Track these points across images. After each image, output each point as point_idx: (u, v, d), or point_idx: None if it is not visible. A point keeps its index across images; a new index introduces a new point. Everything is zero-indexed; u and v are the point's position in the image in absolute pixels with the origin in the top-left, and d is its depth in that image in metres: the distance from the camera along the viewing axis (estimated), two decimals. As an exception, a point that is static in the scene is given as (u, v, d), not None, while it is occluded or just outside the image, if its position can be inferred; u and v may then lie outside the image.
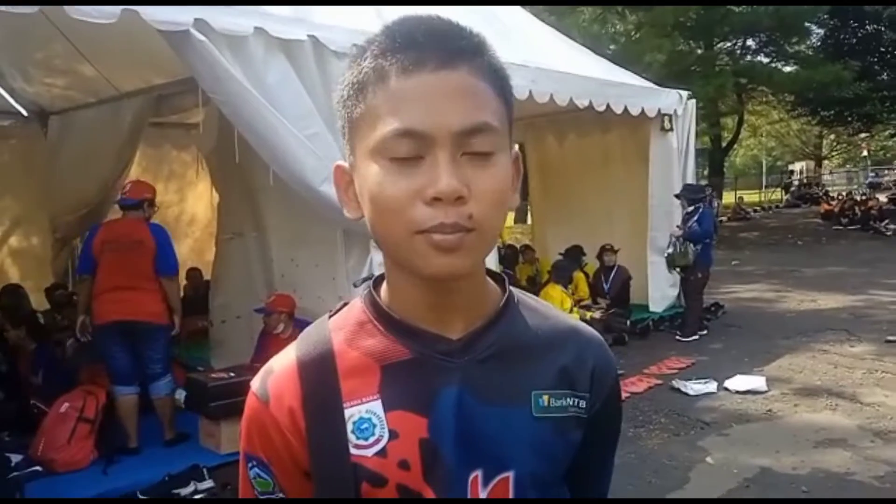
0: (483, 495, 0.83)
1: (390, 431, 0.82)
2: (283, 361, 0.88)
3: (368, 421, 0.82)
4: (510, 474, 0.84)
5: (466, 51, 0.77)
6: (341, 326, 0.88)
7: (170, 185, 8.76)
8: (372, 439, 0.82)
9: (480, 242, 0.77)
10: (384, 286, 0.88)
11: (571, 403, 0.88)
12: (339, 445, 0.82)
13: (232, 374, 4.87)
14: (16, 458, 4.44)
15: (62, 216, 7.15)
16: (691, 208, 8.15)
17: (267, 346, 5.47)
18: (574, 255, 8.97)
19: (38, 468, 4.38)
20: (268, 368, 0.89)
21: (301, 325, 5.33)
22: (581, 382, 0.89)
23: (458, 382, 0.82)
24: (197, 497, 4.04)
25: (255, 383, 0.88)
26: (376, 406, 0.82)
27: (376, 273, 3.59)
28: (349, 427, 0.82)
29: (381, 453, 0.81)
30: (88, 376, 5.21)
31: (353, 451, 0.81)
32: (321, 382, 0.84)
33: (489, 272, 0.89)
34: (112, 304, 4.78)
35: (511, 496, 0.84)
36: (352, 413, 0.82)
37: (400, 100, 0.75)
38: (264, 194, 5.88)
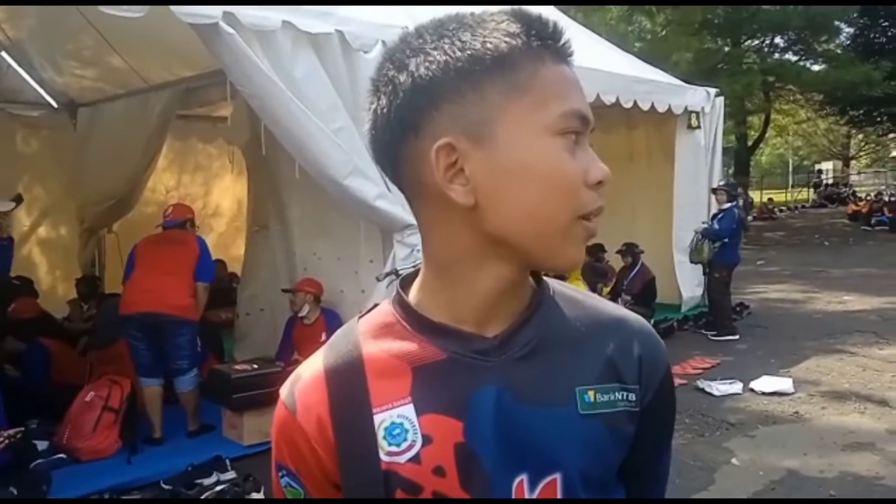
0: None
1: (423, 436, 0.78)
2: (311, 368, 0.84)
3: (400, 426, 0.78)
4: (557, 476, 0.79)
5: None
6: (370, 329, 0.84)
7: (195, 178, 8.83)
8: (405, 445, 0.78)
9: None
10: (417, 287, 0.84)
11: (621, 397, 0.83)
12: (368, 455, 0.78)
13: (255, 367, 4.90)
14: (42, 445, 4.49)
15: (90, 207, 7.23)
16: (727, 205, 8.08)
17: (293, 333, 5.52)
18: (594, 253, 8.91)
19: (62, 456, 4.43)
20: (296, 376, 0.85)
21: (328, 314, 5.38)
22: (629, 374, 0.84)
23: (495, 382, 0.78)
24: (219, 488, 4.06)
25: (284, 391, 0.85)
26: (408, 410, 0.79)
27: (399, 268, 3.56)
28: (380, 434, 0.78)
29: (415, 459, 0.77)
30: (100, 366, 5.28)
31: (385, 458, 0.78)
32: (349, 389, 0.80)
33: None
34: (139, 293, 4.81)
35: (560, 498, 0.79)
36: (382, 419, 0.79)
37: (565, 84, 0.75)
38: (288, 187, 5.90)
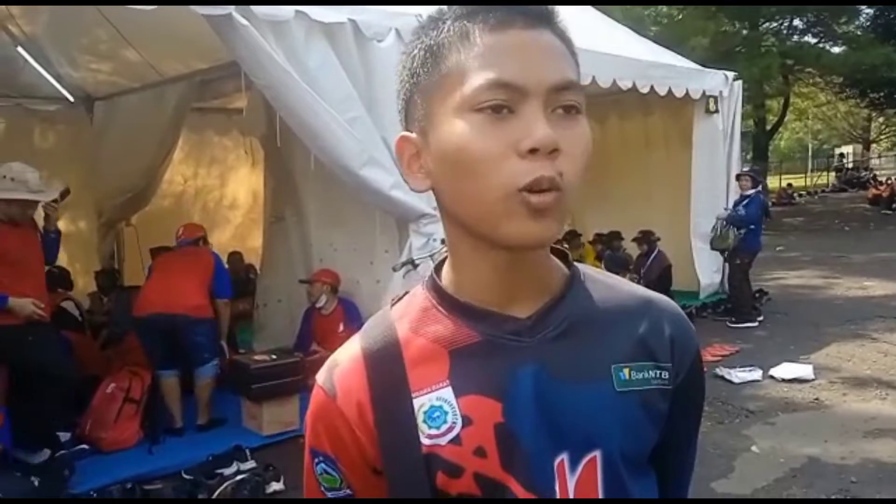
0: (571, 480, 0.79)
1: (463, 418, 0.78)
2: (349, 353, 0.86)
3: (440, 409, 0.79)
4: (597, 453, 0.80)
5: (548, 14, 0.78)
6: (404, 314, 0.85)
7: (212, 170, 8.85)
8: (444, 427, 0.79)
9: (566, 206, 0.74)
10: (446, 270, 0.86)
11: (654, 375, 0.84)
12: (409, 438, 0.79)
13: (274, 357, 4.94)
14: (64, 436, 4.54)
15: (108, 200, 7.28)
16: (751, 192, 8.02)
17: (311, 323, 5.55)
18: (609, 242, 8.89)
19: (85, 447, 4.48)
20: (333, 362, 0.87)
21: (346, 303, 5.40)
22: (661, 352, 0.85)
23: (531, 362, 0.79)
24: (239, 478, 4.09)
25: (321, 377, 0.86)
26: (447, 393, 0.80)
27: (415, 257, 3.59)
28: (420, 417, 0.79)
29: (456, 441, 0.78)
30: (120, 358, 5.33)
31: (425, 441, 0.79)
32: (389, 374, 0.82)
33: (551, 248, 0.86)
34: (152, 295, 4.89)
35: (600, 477, 0.80)
36: (422, 402, 0.80)
37: (492, 54, 0.73)
38: (304, 178, 5.92)
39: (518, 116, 0.72)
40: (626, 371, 0.82)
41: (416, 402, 0.80)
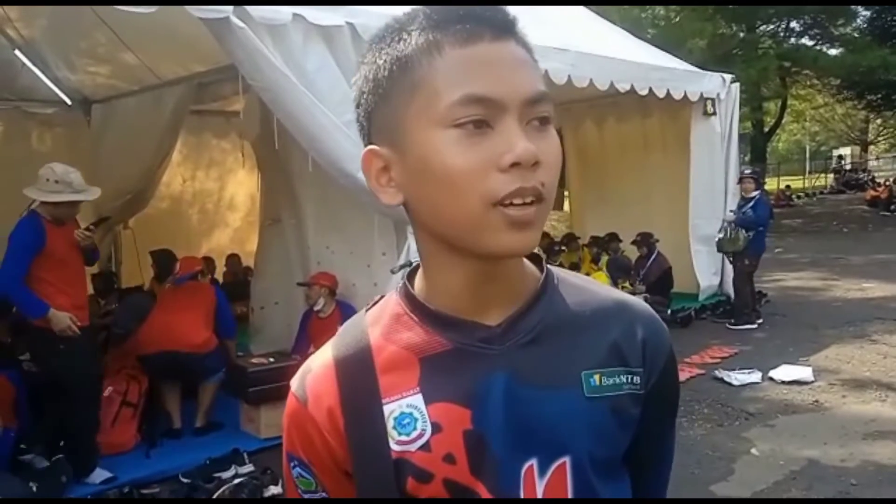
0: (540, 486, 0.79)
1: (433, 424, 0.79)
2: (321, 360, 0.86)
3: (409, 416, 0.80)
4: (567, 459, 0.80)
5: (512, 24, 0.77)
6: (378, 321, 0.86)
7: (210, 173, 8.87)
8: (414, 434, 0.79)
9: (546, 214, 0.75)
10: (419, 277, 0.85)
11: (626, 381, 0.84)
12: (379, 444, 0.79)
13: (271, 360, 4.94)
14: (62, 440, 4.53)
15: (105, 203, 7.24)
16: (755, 193, 8.03)
17: (309, 326, 5.54)
18: (605, 245, 8.89)
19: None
20: (306, 368, 0.87)
21: (343, 306, 5.39)
22: (633, 357, 0.85)
23: (501, 370, 0.79)
24: (237, 481, 4.08)
25: (295, 383, 0.87)
26: (417, 400, 0.80)
27: (413, 260, 3.58)
28: (390, 423, 0.80)
29: (426, 447, 0.79)
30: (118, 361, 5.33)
31: (396, 447, 0.79)
32: (359, 380, 0.82)
33: None
34: (158, 332, 4.88)
35: (569, 482, 0.80)
36: (392, 409, 0.80)
37: (465, 68, 0.73)
38: (301, 181, 5.90)
39: (497, 131, 0.72)
40: (596, 377, 0.82)
41: (387, 409, 0.80)
